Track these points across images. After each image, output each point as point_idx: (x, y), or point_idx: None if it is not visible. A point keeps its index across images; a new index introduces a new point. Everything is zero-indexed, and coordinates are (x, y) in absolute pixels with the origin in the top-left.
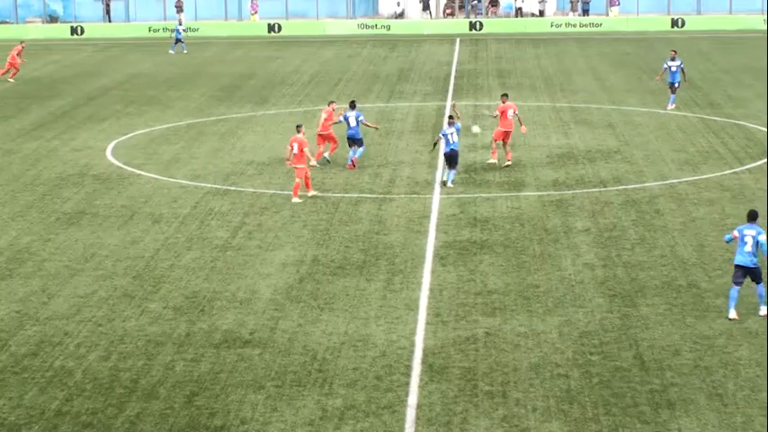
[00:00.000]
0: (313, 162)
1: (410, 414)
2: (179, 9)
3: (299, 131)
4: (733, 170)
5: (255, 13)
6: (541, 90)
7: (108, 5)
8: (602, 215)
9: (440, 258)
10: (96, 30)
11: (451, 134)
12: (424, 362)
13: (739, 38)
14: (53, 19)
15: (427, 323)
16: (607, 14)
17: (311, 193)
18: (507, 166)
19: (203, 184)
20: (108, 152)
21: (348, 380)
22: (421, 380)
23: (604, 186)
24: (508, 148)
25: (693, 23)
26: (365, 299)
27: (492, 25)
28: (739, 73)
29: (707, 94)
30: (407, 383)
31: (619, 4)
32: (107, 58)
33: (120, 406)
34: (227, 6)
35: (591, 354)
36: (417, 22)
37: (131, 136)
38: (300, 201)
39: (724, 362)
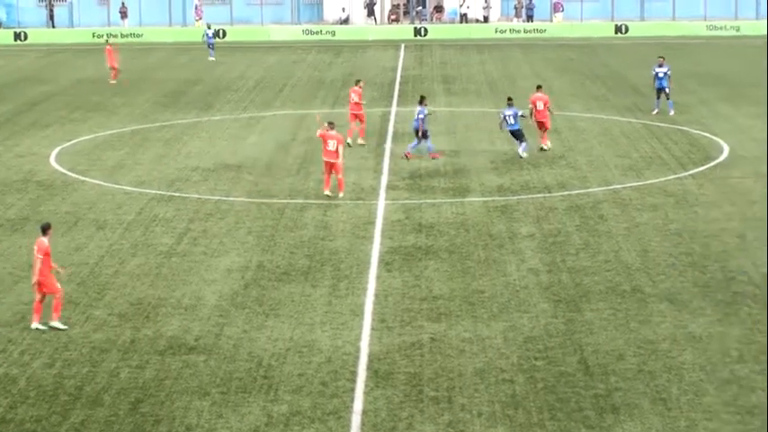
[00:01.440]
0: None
1: (355, 420)
2: (123, 15)
3: (331, 128)
4: (676, 175)
5: (200, 18)
6: (486, 95)
7: (52, 11)
8: (547, 221)
9: (385, 264)
10: (40, 35)
11: (509, 116)
12: (369, 367)
13: (682, 44)
14: None
15: (372, 329)
16: (551, 20)
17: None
18: (543, 150)
19: (148, 191)
20: (52, 158)
21: (293, 386)
22: (366, 386)
23: (549, 192)
24: (542, 134)
25: (637, 30)
26: (310, 305)
27: (436, 31)
28: (682, 79)
29: (650, 99)
30: (353, 389)
31: (563, 10)
32: (51, 63)
33: (64, 413)
34: (172, 12)
35: (536, 359)
36: (362, 27)
37: (75, 142)
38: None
39: (668, 366)
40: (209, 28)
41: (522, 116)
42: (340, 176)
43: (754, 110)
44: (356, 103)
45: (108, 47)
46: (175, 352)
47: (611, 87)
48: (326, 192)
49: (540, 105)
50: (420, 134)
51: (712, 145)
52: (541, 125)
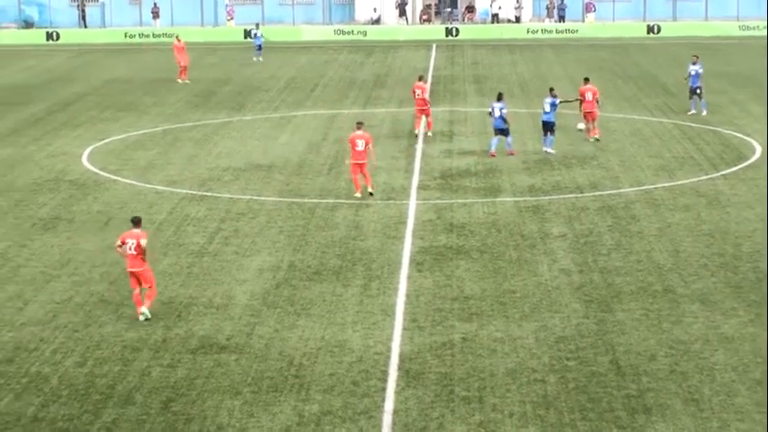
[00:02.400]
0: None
1: (386, 419)
2: (155, 15)
3: (359, 128)
4: (708, 176)
5: (231, 18)
6: (518, 96)
7: (83, 11)
8: (579, 221)
9: (416, 264)
10: (72, 35)
11: (497, 108)
12: (400, 367)
13: (714, 44)
14: (28, 24)
15: (404, 329)
16: (583, 21)
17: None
18: (595, 140)
19: (179, 190)
20: (84, 158)
21: (325, 385)
22: (397, 385)
23: (581, 192)
24: (592, 125)
25: (669, 30)
26: (342, 304)
27: (468, 31)
28: (714, 79)
29: (682, 100)
30: (384, 389)
31: (595, 10)
32: (82, 63)
33: (96, 412)
34: (204, 12)
35: (567, 359)
36: (394, 27)
37: (107, 142)
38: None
39: (700, 367)
40: (257, 28)
41: (563, 102)
42: (367, 174)
43: None
44: (421, 99)
45: (177, 43)
46: (207, 351)
47: (643, 88)
48: (358, 194)
49: (589, 96)
50: (505, 131)
51: (744, 145)
52: (590, 115)
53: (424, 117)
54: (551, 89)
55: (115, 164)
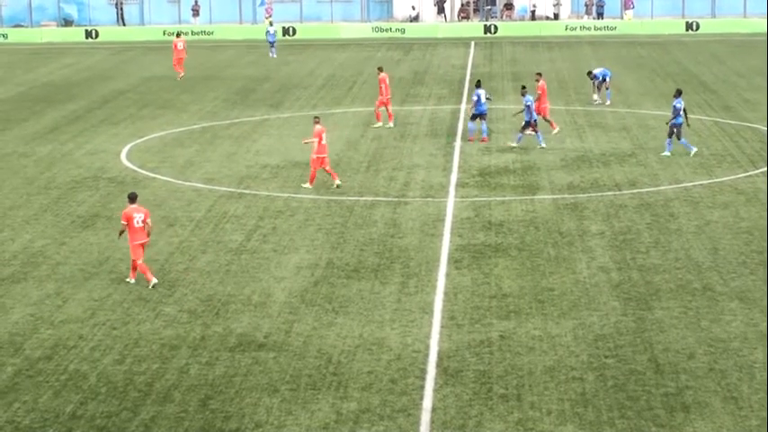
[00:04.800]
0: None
1: (425, 417)
2: (195, 13)
3: (317, 123)
4: (747, 173)
5: (270, 16)
6: (556, 93)
7: (122, 9)
8: (617, 218)
9: (454, 262)
10: (111, 33)
11: (480, 94)
12: (438, 365)
13: (753, 41)
14: (68, 23)
15: (442, 326)
16: (622, 18)
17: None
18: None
19: (218, 188)
20: (122, 155)
21: (363, 383)
22: (436, 383)
23: (619, 190)
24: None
25: (708, 26)
26: (380, 302)
27: (506, 28)
28: (754, 76)
29: (721, 97)
30: (422, 387)
31: (633, 7)
32: (121, 61)
33: (134, 409)
34: (242, 10)
35: (606, 357)
36: (432, 25)
37: (146, 139)
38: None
39: (739, 365)
40: (270, 25)
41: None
42: (328, 168)
43: None
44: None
45: (177, 41)
46: (245, 349)
47: (682, 85)
48: (309, 185)
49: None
50: (532, 125)
51: None
52: (545, 111)
53: (384, 108)
54: (523, 87)
55: (154, 161)
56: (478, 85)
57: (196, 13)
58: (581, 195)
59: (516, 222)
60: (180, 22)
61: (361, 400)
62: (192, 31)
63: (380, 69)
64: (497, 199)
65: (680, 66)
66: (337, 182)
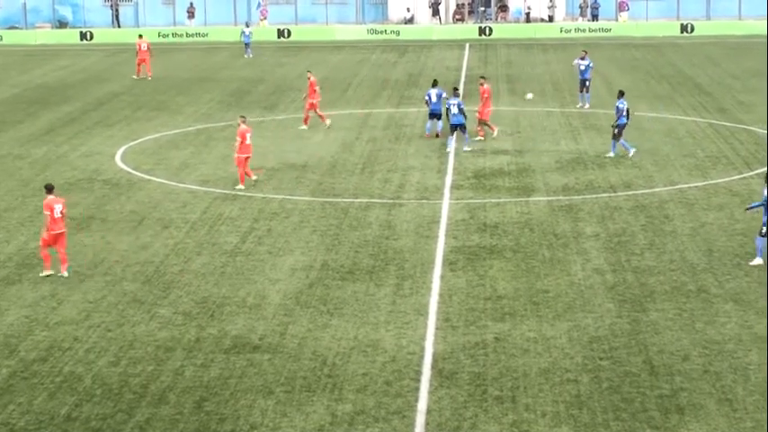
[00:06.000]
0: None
1: (420, 419)
2: (190, 15)
3: (243, 122)
4: (742, 175)
5: (265, 18)
6: (551, 95)
7: (117, 11)
8: (612, 220)
9: (449, 263)
10: (105, 35)
11: (454, 104)
12: (433, 367)
13: (748, 43)
14: (62, 24)
15: (437, 328)
16: (616, 20)
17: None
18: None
19: (213, 190)
20: (117, 157)
21: (358, 385)
22: (430, 385)
23: (614, 191)
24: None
25: (702, 28)
26: (375, 304)
27: (501, 30)
28: (748, 78)
29: (716, 99)
30: (417, 389)
31: (628, 9)
32: (116, 63)
33: (129, 411)
34: (237, 11)
35: (600, 359)
36: (427, 27)
37: (140, 141)
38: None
39: (733, 367)
40: (247, 26)
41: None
42: (248, 170)
43: None
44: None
45: (140, 42)
46: (240, 351)
47: (677, 87)
48: (241, 186)
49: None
50: (464, 126)
51: None
52: (487, 114)
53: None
54: (455, 89)
55: (148, 163)
56: (434, 84)
57: (191, 14)
58: (576, 197)
59: (511, 224)
60: (175, 23)
61: (356, 402)
62: (187, 33)
63: (310, 72)
64: (492, 201)
65: (675, 68)
66: (246, 180)
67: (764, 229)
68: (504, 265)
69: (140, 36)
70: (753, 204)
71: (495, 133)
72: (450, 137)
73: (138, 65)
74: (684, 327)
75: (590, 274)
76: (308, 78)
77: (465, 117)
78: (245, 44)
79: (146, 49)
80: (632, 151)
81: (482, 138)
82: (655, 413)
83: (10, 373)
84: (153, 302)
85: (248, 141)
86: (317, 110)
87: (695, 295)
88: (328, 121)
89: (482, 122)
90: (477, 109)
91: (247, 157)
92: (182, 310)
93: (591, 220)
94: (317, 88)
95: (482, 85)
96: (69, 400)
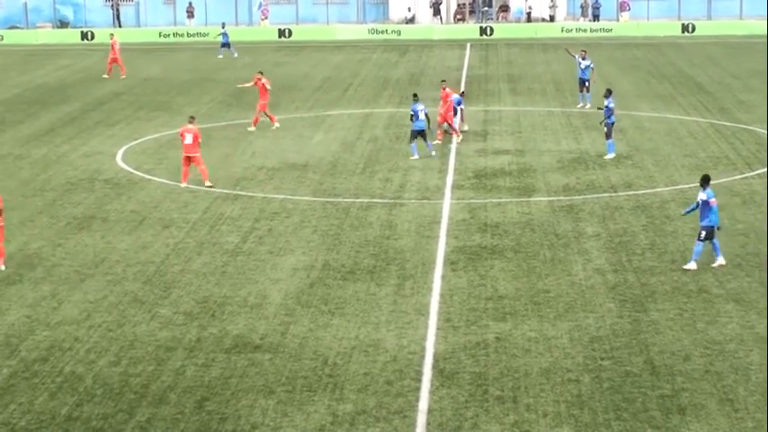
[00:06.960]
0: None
1: (420, 419)
2: (190, 14)
3: (191, 122)
4: (743, 175)
5: (266, 18)
6: (552, 95)
7: (118, 11)
8: (613, 220)
9: (450, 263)
10: (106, 35)
11: (420, 111)
12: (434, 367)
13: (749, 43)
14: (63, 24)
15: (438, 328)
16: (617, 20)
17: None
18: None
19: (213, 189)
20: (118, 157)
21: (359, 385)
22: (432, 385)
23: (615, 191)
24: (443, 129)
25: (703, 28)
26: (376, 304)
27: (502, 30)
28: (749, 78)
29: (717, 99)
30: (418, 388)
31: (629, 9)
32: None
33: (130, 411)
34: (238, 11)
35: (601, 359)
36: (428, 27)
37: (141, 141)
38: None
39: (734, 367)
40: (223, 27)
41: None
42: (203, 167)
43: None
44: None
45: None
46: (241, 350)
47: (678, 87)
48: (184, 184)
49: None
50: (424, 132)
51: None
52: (450, 118)
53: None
54: (415, 95)
55: (149, 163)
56: (415, 98)
57: (190, 14)
58: (577, 197)
59: (512, 224)
60: (175, 23)
61: (357, 402)
62: (188, 33)
63: (261, 74)
64: (493, 201)
65: (675, 68)
66: (184, 184)
67: (703, 233)
68: (505, 265)
69: (111, 36)
70: (689, 208)
71: (459, 138)
72: (412, 143)
73: (110, 64)
74: (685, 327)
75: (591, 274)
76: (260, 80)
77: (429, 122)
78: (222, 44)
79: (118, 48)
80: (612, 155)
81: (440, 141)
82: (656, 413)
83: (11, 372)
84: (154, 302)
85: (187, 141)
86: (267, 110)
87: (696, 295)
88: (277, 123)
89: (443, 126)
90: (440, 112)
91: (187, 157)
92: (183, 310)
93: (592, 220)
94: (269, 88)
95: (444, 88)
96: (70, 399)
